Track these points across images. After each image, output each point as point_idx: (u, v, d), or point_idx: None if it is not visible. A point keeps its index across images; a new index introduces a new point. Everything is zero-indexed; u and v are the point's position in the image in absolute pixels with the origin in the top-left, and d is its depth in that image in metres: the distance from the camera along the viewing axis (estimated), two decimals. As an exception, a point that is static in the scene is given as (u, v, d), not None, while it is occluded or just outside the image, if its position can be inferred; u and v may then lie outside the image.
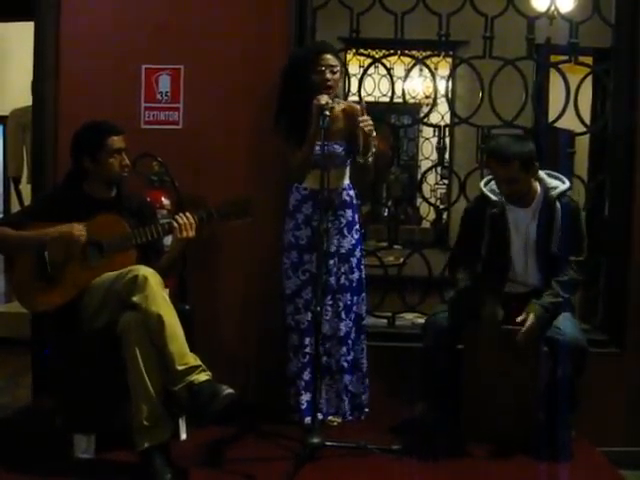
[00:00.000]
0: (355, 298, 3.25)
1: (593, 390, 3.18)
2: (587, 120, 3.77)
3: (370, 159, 3.14)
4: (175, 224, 2.85)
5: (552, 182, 3.05)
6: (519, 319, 2.95)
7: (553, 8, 3.79)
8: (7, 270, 2.90)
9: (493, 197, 3.07)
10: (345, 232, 3.22)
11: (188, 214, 2.87)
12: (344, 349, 3.23)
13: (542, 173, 3.07)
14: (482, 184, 3.17)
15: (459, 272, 3.13)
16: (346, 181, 3.26)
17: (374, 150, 3.14)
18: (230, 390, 2.57)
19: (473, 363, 3.05)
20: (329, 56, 3.13)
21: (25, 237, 2.81)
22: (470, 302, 3.03)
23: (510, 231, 3.06)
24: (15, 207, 6.01)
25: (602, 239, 3.53)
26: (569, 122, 3.67)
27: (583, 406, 2.97)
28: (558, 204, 3.00)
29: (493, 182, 3.14)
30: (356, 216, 3.27)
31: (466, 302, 3.05)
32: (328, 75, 3.11)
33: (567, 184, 3.05)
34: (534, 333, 2.92)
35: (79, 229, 2.78)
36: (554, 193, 3.01)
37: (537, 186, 3.05)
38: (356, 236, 3.25)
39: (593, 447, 3.11)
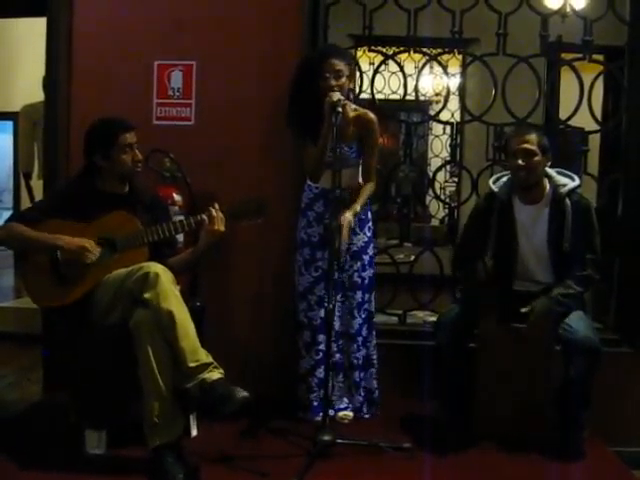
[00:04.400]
0: (367, 296, 3.25)
1: (605, 390, 3.16)
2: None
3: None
4: (205, 217, 2.84)
5: (561, 179, 3.05)
6: (523, 310, 2.96)
7: (567, 5, 3.77)
8: (18, 266, 2.89)
9: (501, 194, 3.07)
10: (357, 230, 3.21)
11: (217, 207, 2.86)
12: (355, 346, 3.24)
13: (551, 171, 3.07)
14: (491, 181, 3.18)
15: (463, 269, 3.15)
16: (358, 180, 3.24)
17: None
18: (244, 393, 2.55)
19: (486, 362, 3.04)
20: (335, 61, 3.11)
21: (37, 238, 2.80)
22: (477, 301, 3.04)
23: (517, 227, 3.06)
24: (25, 202, 6.03)
25: (615, 238, 3.51)
26: (580, 120, 3.65)
27: (595, 406, 2.95)
28: (568, 201, 2.99)
29: (502, 180, 3.13)
30: (369, 214, 3.27)
31: (475, 301, 3.05)
32: (333, 82, 3.09)
33: (577, 181, 3.05)
34: (540, 322, 2.92)
35: (91, 247, 2.78)
36: (563, 190, 3.01)
37: (546, 183, 3.05)
38: (369, 234, 3.25)
39: (605, 447, 3.09)
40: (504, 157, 3.19)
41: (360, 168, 3.25)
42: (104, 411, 2.83)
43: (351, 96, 3.26)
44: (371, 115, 3.21)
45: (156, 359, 2.61)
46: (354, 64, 3.45)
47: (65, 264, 2.79)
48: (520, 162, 2.99)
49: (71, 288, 2.79)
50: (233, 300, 3.54)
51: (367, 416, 3.26)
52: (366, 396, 3.27)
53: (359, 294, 3.22)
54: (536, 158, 2.98)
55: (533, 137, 3.00)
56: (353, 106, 3.21)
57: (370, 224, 3.27)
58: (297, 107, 3.21)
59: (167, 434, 2.60)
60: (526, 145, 2.98)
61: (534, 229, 3.06)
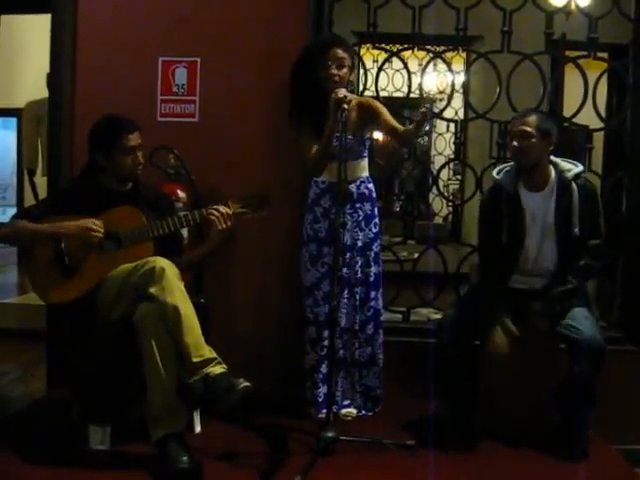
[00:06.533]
0: (373, 292, 3.22)
1: (610, 388, 3.15)
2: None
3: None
4: (213, 216, 2.86)
5: (566, 165, 3.01)
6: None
7: (571, 3, 3.77)
8: (23, 262, 2.89)
9: (506, 184, 3.04)
10: (363, 225, 3.20)
11: (223, 205, 2.88)
12: (358, 342, 3.23)
13: (556, 158, 3.04)
14: (495, 173, 3.13)
15: (490, 270, 3.11)
16: (364, 174, 3.23)
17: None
18: (246, 383, 2.57)
19: (490, 361, 3.03)
20: (337, 50, 3.10)
21: (41, 230, 2.80)
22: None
23: (526, 217, 3.01)
24: (29, 199, 6.05)
25: (619, 235, 3.50)
26: (585, 118, 3.65)
27: (600, 405, 2.94)
28: (574, 185, 2.96)
29: (505, 170, 3.09)
30: (375, 210, 3.24)
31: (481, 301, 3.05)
32: (334, 70, 3.08)
33: (581, 167, 3.01)
34: (539, 324, 2.95)
35: (96, 225, 2.78)
36: (569, 175, 2.97)
37: (551, 169, 3.01)
38: (374, 230, 3.23)
39: (609, 446, 3.08)
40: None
41: (366, 160, 3.25)
42: (108, 407, 2.84)
43: (351, 88, 3.23)
44: (369, 98, 3.25)
45: (160, 352, 2.62)
46: (355, 56, 3.44)
47: (70, 255, 2.79)
48: (515, 144, 2.96)
49: (76, 283, 2.79)
50: (237, 297, 3.54)
51: (367, 413, 3.25)
52: (367, 394, 3.26)
53: (363, 290, 3.21)
54: (533, 140, 2.92)
55: (532, 119, 2.94)
56: (355, 96, 3.20)
57: (377, 220, 3.24)
58: (297, 96, 3.19)
59: (171, 426, 2.62)
60: (522, 127, 2.93)
61: (542, 216, 3.00)
